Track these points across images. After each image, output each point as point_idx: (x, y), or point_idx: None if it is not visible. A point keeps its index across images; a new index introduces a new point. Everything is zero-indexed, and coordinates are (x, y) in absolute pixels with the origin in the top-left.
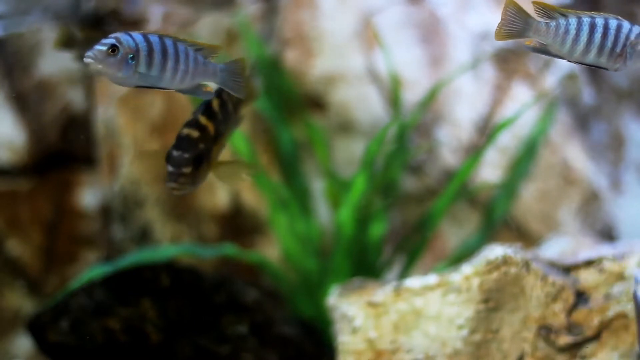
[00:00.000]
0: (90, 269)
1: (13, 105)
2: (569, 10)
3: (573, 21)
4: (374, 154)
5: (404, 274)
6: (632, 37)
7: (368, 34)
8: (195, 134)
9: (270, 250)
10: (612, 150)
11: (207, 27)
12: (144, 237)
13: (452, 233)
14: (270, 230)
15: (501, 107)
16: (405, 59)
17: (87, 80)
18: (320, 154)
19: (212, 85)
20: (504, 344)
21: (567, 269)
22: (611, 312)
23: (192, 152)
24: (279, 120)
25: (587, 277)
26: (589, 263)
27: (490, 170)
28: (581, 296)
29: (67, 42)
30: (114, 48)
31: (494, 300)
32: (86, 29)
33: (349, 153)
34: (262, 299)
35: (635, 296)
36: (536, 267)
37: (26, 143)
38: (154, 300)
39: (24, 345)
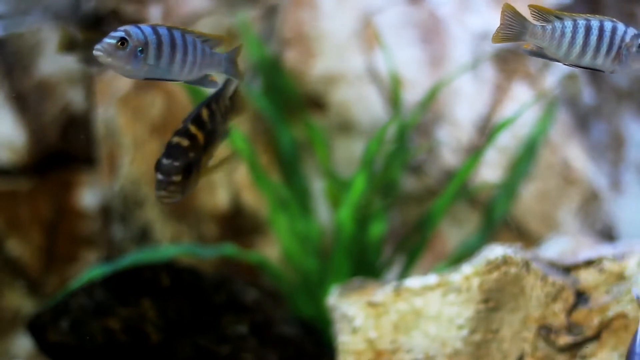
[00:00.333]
0: (90, 269)
1: (13, 105)
2: (565, 13)
3: (569, 24)
4: (374, 153)
5: (404, 274)
6: (628, 39)
7: (368, 34)
8: (185, 142)
9: (270, 250)
10: (612, 150)
11: (207, 27)
12: (144, 237)
13: (452, 233)
14: (270, 230)
15: (501, 107)
16: (405, 59)
17: (87, 80)
18: (320, 154)
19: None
20: (504, 344)
21: (567, 269)
22: (611, 312)
23: (182, 161)
24: (279, 120)
25: (587, 277)
26: (589, 263)
27: (490, 170)
28: (581, 296)
29: (69, 45)
30: (123, 41)
31: (494, 300)
32: (86, 30)
33: (349, 153)
34: (262, 299)
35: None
36: (536, 267)
37: (26, 143)
38: (154, 300)
39: (24, 345)
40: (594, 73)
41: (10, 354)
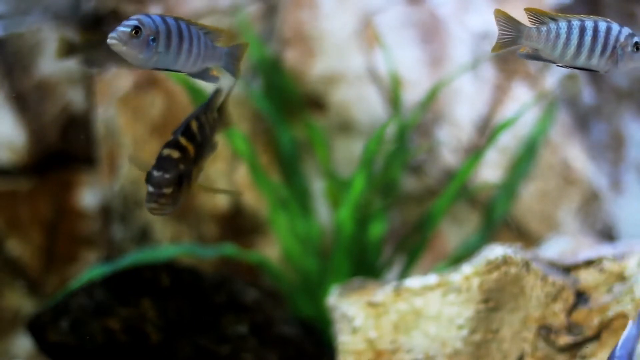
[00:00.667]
0: (90, 269)
1: (13, 105)
2: (559, 14)
3: (563, 25)
4: (373, 152)
5: (404, 274)
6: (622, 38)
7: (368, 34)
8: (175, 154)
9: (270, 250)
10: (612, 150)
11: None
12: (144, 237)
13: (452, 233)
14: (270, 230)
15: (501, 107)
16: (405, 59)
17: (87, 80)
18: (320, 154)
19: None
20: (504, 344)
21: (567, 269)
22: (611, 312)
23: (173, 173)
24: (279, 120)
25: (587, 277)
26: (589, 263)
27: (491, 170)
28: (581, 296)
29: (68, 50)
30: (137, 29)
31: (494, 300)
32: (85, 30)
33: (349, 153)
34: (262, 299)
35: None
36: (536, 267)
37: (26, 143)
38: (154, 300)
39: (24, 345)
40: (593, 73)
41: (10, 354)
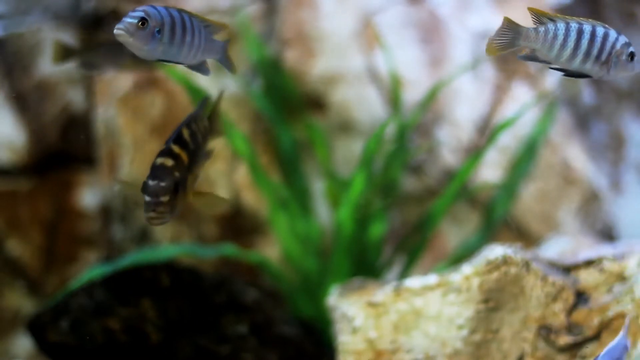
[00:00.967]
0: (90, 269)
1: (13, 105)
2: (558, 15)
3: (561, 26)
4: (372, 152)
5: (404, 274)
6: (618, 46)
7: (368, 34)
8: (169, 162)
9: (270, 250)
10: (612, 150)
11: None
12: (144, 237)
13: (452, 233)
14: (270, 230)
15: (501, 107)
16: (405, 59)
17: (87, 80)
18: (320, 154)
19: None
20: (504, 344)
21: (567, 269)
22: (611, 312)
23: (169, 181)
24: (279, 120)
25: (587, 277)
26: (589, 263)
27: (491, 170)
28: (581, 296)
29: (64, 54)
30: (143, 21)
31: (494, 300)
32: (84, 31)
33: (349, 153)
34: (262, 299)
35: None
36: (536, 267)
37: (26, 143)
38: (154, 300)
39: (24, 345)
40: None
41: (10, 354)
